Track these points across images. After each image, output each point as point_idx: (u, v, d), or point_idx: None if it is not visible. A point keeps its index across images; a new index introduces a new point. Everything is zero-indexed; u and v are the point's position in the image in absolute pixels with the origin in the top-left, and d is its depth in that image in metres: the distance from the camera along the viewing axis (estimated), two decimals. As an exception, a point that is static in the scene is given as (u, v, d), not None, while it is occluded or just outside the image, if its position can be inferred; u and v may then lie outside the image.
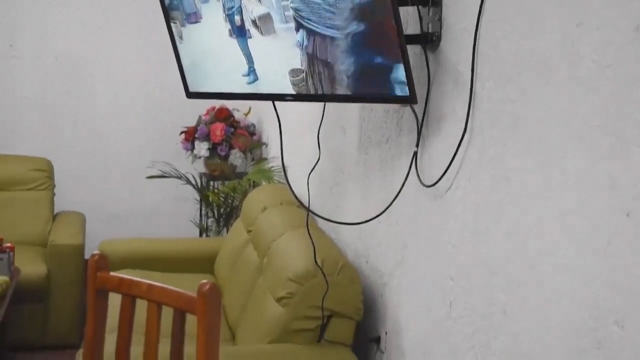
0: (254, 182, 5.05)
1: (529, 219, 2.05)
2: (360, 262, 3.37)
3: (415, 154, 2.73)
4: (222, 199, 5.32)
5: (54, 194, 5.36)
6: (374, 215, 3.00)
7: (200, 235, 5.65)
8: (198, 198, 5.68)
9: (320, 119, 3.29)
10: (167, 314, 1.87)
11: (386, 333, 3.08)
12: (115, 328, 2.01)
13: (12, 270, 4.20)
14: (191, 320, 1.81)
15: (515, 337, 2.11)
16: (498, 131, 2.22)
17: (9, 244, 4.22)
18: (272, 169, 4.90)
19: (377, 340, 3.14)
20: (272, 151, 5.26)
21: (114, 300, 2.03)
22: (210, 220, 5.55)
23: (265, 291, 3.28)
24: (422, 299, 2.75)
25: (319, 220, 3.82)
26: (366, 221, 3.04)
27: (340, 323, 3.05)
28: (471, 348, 2.36)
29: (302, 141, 4.09)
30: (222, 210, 5.36)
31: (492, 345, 2.23)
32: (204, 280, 1.70)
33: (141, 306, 1.94)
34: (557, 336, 1.91)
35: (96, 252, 1.89)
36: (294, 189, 3.52)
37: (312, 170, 3.24)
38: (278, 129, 3.20)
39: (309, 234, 3.10)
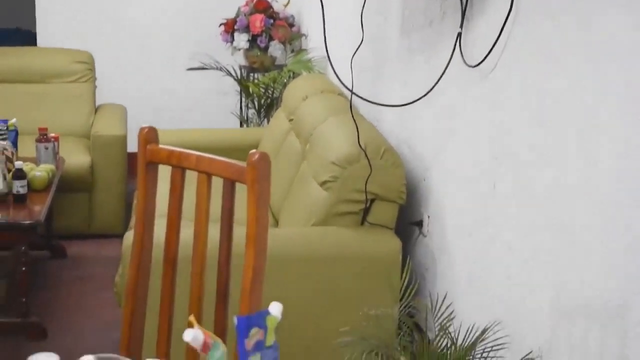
0: (293, 73, 5.04)
1: (577, 96, 2.03)
2: (403, 148, 3.37)
3: (459, 35, 2.70)
4: (263, 90, 5.32)
5: (95, 87, 5.38)
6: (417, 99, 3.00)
7: (241, 126, 5.67)
8: (238, 89, 5.68)
9: (363, 2, 3.24)
10: (216, 202, 1.84)
11: (428, 217, 3.10)
12: (164, 214, 2.00)
13: (58, 159, 4.26)
14: (239, 210, 1.79)
15: (560, 213, 2.12)
16: (546, 8, 2.19)
17: (53, 134, 4.26)
18: (312, 59, 4.88)
19: (420, 223, 3.17)
20: (311, 43, 5.23)
21: (163, 190, 2.01)
22: (250, 111, 5.56)
23: (308, 176, 3.30)
24: (465, 181, 2.76)
25: (361, 109, 3.82)
26: (410, 103, 3.03)
27: (383, 206, 3.07)
28: (515, 226, 2.37)
29: (343, 27, 4.04)
30: (262, 101, 5.36)
31: (536, 222, 2.25)
32: (253, 150, 1.71)
33: (190, 193, 1.91)
34: (600, 208, 1.92)
35: (145, 125, 1.90)
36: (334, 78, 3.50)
37: (355, 52, 3.20)
38: (319, 18, 3.16)
39: (352, 116, 3.09)
